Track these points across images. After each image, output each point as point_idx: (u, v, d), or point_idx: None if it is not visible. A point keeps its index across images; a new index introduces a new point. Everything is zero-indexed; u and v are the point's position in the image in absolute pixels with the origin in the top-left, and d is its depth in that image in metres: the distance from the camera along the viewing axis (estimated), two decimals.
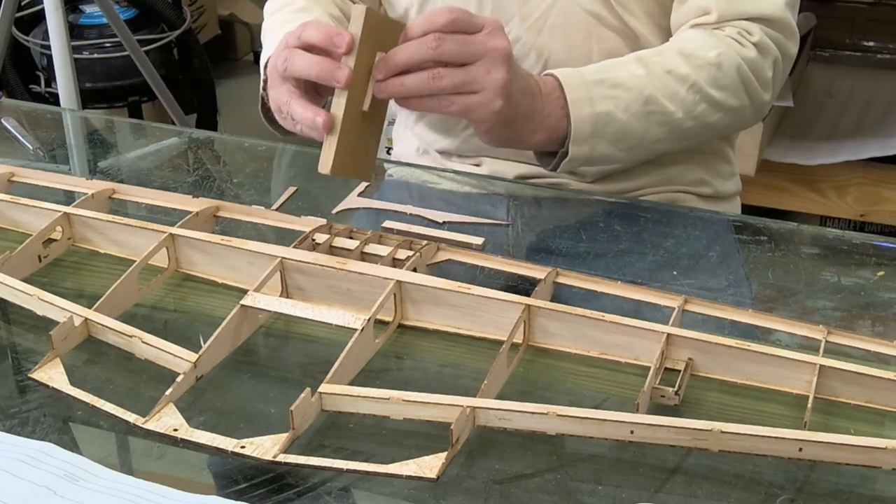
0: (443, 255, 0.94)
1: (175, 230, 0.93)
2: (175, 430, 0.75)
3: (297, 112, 0.91)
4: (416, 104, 0.93)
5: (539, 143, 1.02)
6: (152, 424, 0.75)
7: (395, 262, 0.90)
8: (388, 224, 1.02)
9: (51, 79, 2.61)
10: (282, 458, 0.72)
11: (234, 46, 3.57)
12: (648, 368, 0.79)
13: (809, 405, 0.75)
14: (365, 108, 0.91)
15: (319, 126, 0.88)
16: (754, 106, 1.09)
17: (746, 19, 1.07)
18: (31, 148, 1.20)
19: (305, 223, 0.97)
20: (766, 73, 1.08)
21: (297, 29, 0.92)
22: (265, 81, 1.04)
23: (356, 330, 0.81)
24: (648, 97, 1.02)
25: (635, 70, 1.03)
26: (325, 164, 0.88)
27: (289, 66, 0.92)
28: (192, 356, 0.80)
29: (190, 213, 0.97)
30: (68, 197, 1.06)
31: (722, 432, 0.71)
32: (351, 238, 0.94)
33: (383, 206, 1.08)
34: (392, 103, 0.95)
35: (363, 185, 1.11)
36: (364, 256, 0.92)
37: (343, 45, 0.87)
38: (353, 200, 1.09)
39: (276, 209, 1.05)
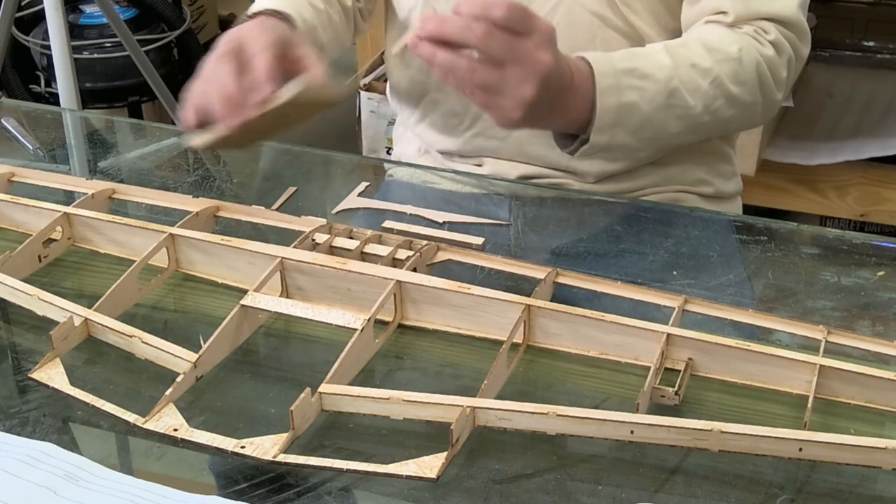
0: (443, 255, 0.94)
1: (175, 230, 0.93)
2: (175, 430, 0.75)
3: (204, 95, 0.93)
4: (441, 74, 0.91)
5: (557, 128, 1.02)
6: (152, 424, 0.75)
7: (395, 262, 0.90)
8: (388, 224, 1.02)
9: (51, 79, 2.61)
10: (282, 458, 0.72)
11: None
12: (648, 368, 0.79)
13: (809, 405, 0.75)
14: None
15: (184, 122, 0.94)
16: (766, 104, 1.09)
17: (762, 19, 1.07)
18: (31, 148, 1.20)
19: (305, 223, 0.97)
20: (782, 72, 1.08)
21: (258, 45, 0.95)
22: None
23: (356, 330, 0.81)
24: (673, 90, 1.01)
25: (663, 60, 1.02)
26: (197, 140, 0.92)
27: (212, 80, 0.94)
28: (192, 356, 0.80)
29: (190, 213, 0.97)
30: (68, 197, 1.06)
31: (722, 432, 0.71)
32: (351, 238, 0.94)
33: (383, 206, 1.08)
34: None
35: (363, 184, 1.11)
36: (364, 256, 0.92)
37: (253, 101, 0.90)
38: (353, 200, 1.09)
39: (276, 209, 1.05)
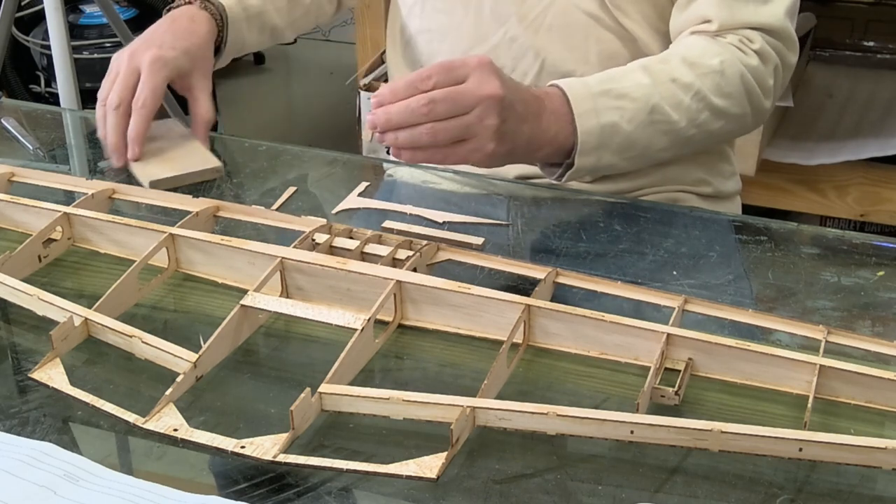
0: (443, 255, 0.94)
1: (175, 230, 0.93)
2: (175, 430, 0.75)
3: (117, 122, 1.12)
4: (409, 157, 0.95)
5: (543, 158, 1.03)
6: (152, 424, 0.75)
7: (395, 262, 0.90)
8: (388, 224, 1.02)
9: (51, 79, 2.61)
10: (282, 458, 0.72)
11: None
12: (648, 368, 0.79)
13: (809, 405, 0.75)
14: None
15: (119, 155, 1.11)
16: (755, 113, 1.09)
17: (747, 28, 1.07)
18: (31, 148, 1.20)
19: (305, 223, 0.97)
20: (768, 80, 1.08)
21: (143, 91, 1.14)
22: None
23: (356, 330, 0.81)
24: (654, 107, 1.02)
25: (640, 79, 1.02)
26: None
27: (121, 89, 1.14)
28: (192, 356, 0.80)
29: (190, 213, 0.97)
30: (68, 197, 1.06)
31: (722, 432, 0.71)
32: (351, 238, 0.94)
33: (383, 206, 1.08)
34: None
35: (363, 185, 1.11)
36: (364, 256, 0.92)
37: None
38: (353, 200, 1.09)
39: (276, 209, 1.05)
